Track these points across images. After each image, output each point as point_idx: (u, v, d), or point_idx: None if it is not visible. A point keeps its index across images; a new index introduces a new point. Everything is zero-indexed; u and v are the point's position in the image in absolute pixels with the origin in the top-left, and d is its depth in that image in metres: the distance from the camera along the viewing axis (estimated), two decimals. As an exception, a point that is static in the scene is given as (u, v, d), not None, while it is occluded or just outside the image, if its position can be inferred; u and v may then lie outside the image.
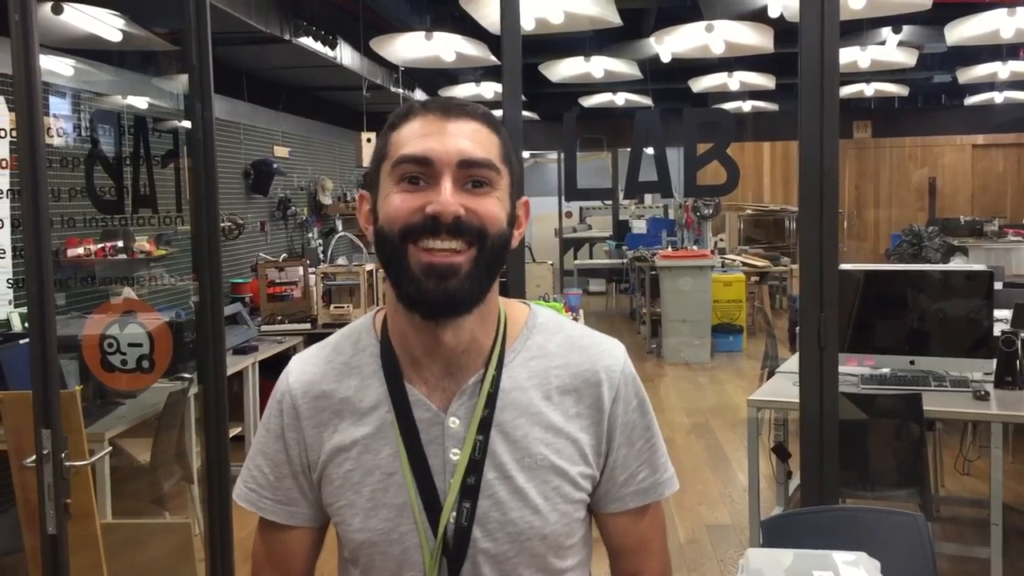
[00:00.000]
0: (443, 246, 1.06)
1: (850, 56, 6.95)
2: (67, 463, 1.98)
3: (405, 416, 1.14)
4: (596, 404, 1.17)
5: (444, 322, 1.11)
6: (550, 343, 1.19)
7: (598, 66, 7.00)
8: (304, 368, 1.22)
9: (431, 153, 1.07)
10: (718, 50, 5.88)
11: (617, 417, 1.18)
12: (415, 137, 1.09)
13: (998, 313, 3.99)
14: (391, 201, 1.09)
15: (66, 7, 3.89)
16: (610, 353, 1.21)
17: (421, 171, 1.08)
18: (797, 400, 2.60)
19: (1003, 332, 3.63)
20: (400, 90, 8.27)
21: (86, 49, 4.33)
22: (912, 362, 3.70)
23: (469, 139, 1.09)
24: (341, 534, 1.19)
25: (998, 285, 4.60)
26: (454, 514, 1.12)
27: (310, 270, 6.05)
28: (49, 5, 3.79)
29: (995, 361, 3.60)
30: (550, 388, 1.16)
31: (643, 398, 1.22)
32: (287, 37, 5.90)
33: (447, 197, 1.06)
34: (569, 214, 13.35)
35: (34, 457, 1.97)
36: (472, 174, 1.09)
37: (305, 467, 1.19)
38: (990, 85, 9.91)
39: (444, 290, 1.06)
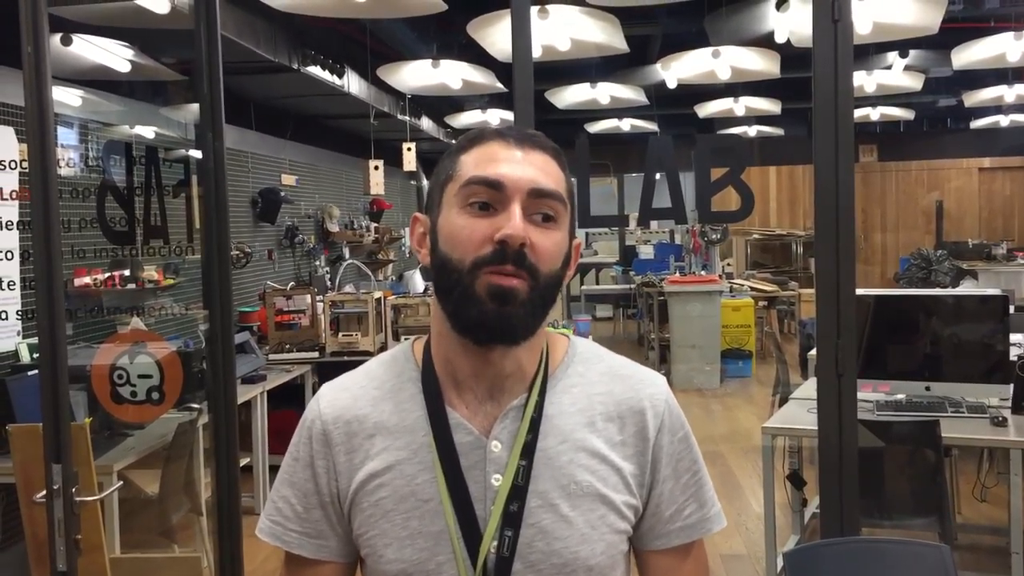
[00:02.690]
0: (506, 271, 1.05)
1: (857, 80, 6.92)
2: (77, 498, 1.95)
3: (444, 439, 1.10)
4: (641, 433, 1.14)
5: (495, 348, 1.09)
6: (591, 371, 1.17)
7: (604, 92, 7.02)
8: (336, 394, 1.18)
9: (504, 178, 1.06)
10: (724, 76, 5.90)
11: (662, 448, 1.15)
12: (488, 160, 1.08)
13: (1013, 337, 3.95)
14: (456, 224, 1.07)
15: (75, 38, 3.91)
16: (653, 383, 1.19)
17: (491, 195, 1.06)
18: (812, 427, 2.57)
19: (1020, 357, 3.59)
20: (407, 118, 8.30)
21: (95, 80, 4.34)
22: (927, 388, 3.66)
23: (541, 169, 1.09)
24: (371, 566, 1.13)
25: (1011, 309, 4.56)
26: (495, 543, 1.07)
27: (318, 298, 6.03)
28: (58, 36, 3.80)
29: (1012, 386, 3.56)
30: (594, 415, 1.14)
31: (688, 430, 1.19)
32: (295, 66, 5.93)
33: (518, 223, 1.04)
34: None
35: (44, 492, 1.94)
36: (541, 204, 1.07)
37: (335, 496, 1.14)
38: (996, 108, 9.92)
39: (503, 314, 1.04)
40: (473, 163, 1.09)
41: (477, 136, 1.12)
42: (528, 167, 1.08)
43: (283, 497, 1.17)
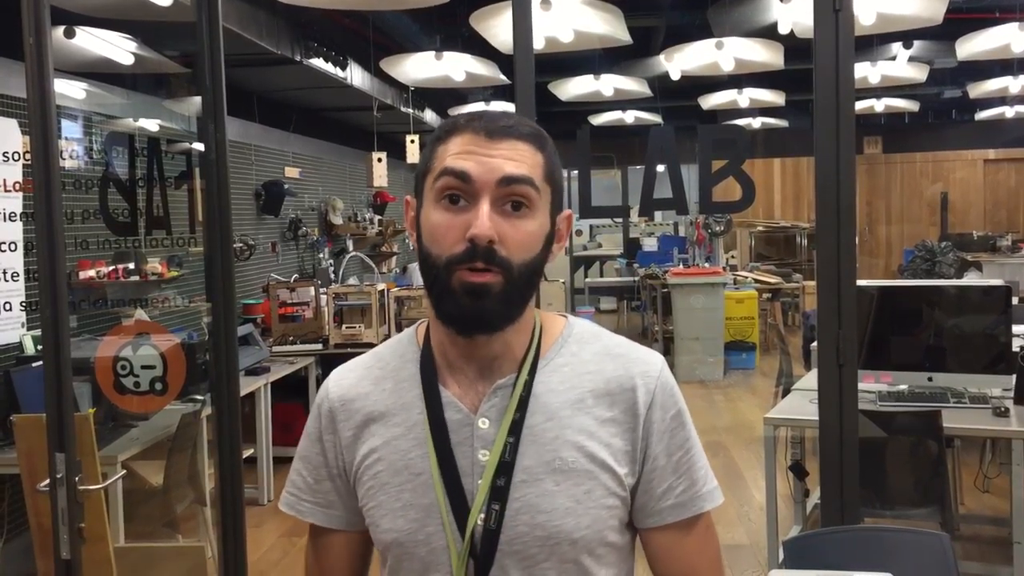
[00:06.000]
0: (476, 268, 1.09)
1: (860, 72, 6.94)
2: (81, 487, 1.96)
3: (436, 416, 1.15)
4: (630, 410, 1.17)
5: (477, 337, 1.13)
6: (584, 351, 1.20)
7: (608, 84, 7.02)
8: (343, 375, 1.26)
9: (472, 171, 1.09)
10: (728, 67, 5.88)
11: (653, 423, 1.17)
12: (458, 152, 1.10)
13: (1015, 328, 3.95)
14: (433, 220, 1.11)
15: (78, 31, 3.92)
16: (646, 361, 1.20)
17: (460, 187, 1.09)
18: (814, 418, 2.57)
19: (1022, 348, 3.59)
20: (410, 110, 8.29)
21: (98, 72, 4.35)
22: (930, 378, 3.66)
23: (511, 157, 1.10)
24: (373, 536, 1.21)
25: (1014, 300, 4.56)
26: (482, 516, 1.12)
27: (321, 291, 6.04)
28: (62, 29, 3.81)
29: (1014, 377, 3.56)
30: (583, 393, 1.17)
31: (682, 408, 1.20)
32: (298, 58, 5.93)
33: (485, 221, 1.07)
34: (579, 232, 13.33)
35: (48, 481, 1.95)
36: (512, 192, 1.10)
37: (342, 470, 1.22)
38: (1001, 100, 9.89)
39: (478, 308, 1.09)
40: (446, 154, 1.11)
41: (452, 126, 1.14)
42: (497, 158, 1.10)
43: (297, 471, 1.27)
